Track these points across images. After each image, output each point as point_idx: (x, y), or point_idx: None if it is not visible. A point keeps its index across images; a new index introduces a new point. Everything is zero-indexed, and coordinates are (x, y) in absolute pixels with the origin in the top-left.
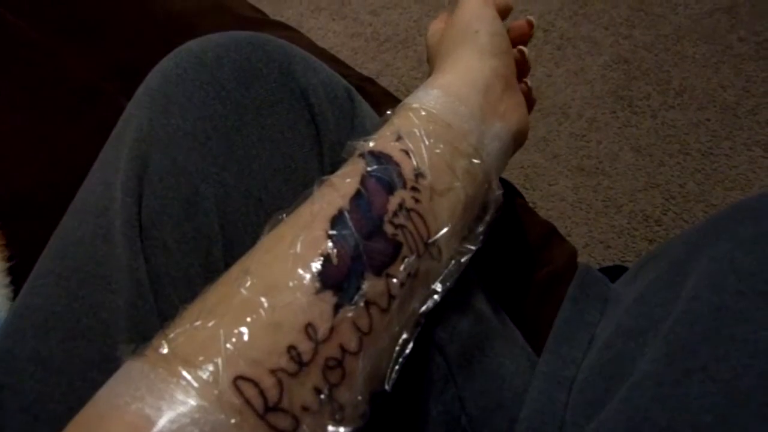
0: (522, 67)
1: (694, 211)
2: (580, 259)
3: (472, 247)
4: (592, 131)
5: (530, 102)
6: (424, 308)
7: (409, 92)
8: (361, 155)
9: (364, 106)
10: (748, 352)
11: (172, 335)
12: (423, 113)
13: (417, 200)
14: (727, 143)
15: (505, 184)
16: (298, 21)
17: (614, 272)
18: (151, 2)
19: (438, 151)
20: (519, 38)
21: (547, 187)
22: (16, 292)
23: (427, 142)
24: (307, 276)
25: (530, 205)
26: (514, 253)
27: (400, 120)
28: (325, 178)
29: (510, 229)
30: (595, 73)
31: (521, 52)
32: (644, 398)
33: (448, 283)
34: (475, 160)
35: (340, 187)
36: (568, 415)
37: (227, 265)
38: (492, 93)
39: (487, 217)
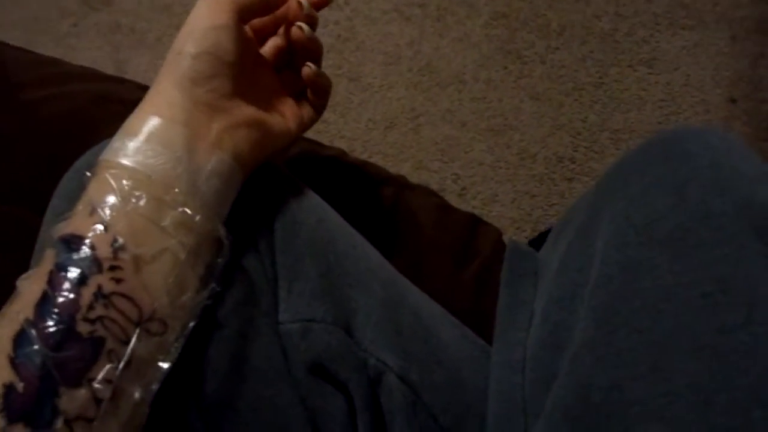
0: (308, 47)
1: (601, 140)
2: (511, 215)
3: (213, 289)
4: (491, 91)
5: (318, 87)
6: (161, 374)
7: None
8: (53, 245)
9: None
10: (659, 297)
11: None
12: (119, 170)
13: (119, 280)
14: (614, 69)
15: (424, 191)
16: None
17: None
18: (26, 115)
19: (141, 212)
20: (294, 18)
21: (464, 155)
22: None
23: (127, 206)
24: None
25: (452, 175)
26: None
27: (93, 187)
28: (23, 276)
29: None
30: (479, 35)
31: (300, 28)
32: (585, 366)
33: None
34: (188, 210)
35: (25, 295)
36: (527, 395)
37: None
38: (197, 124)
39: (219, 259)
